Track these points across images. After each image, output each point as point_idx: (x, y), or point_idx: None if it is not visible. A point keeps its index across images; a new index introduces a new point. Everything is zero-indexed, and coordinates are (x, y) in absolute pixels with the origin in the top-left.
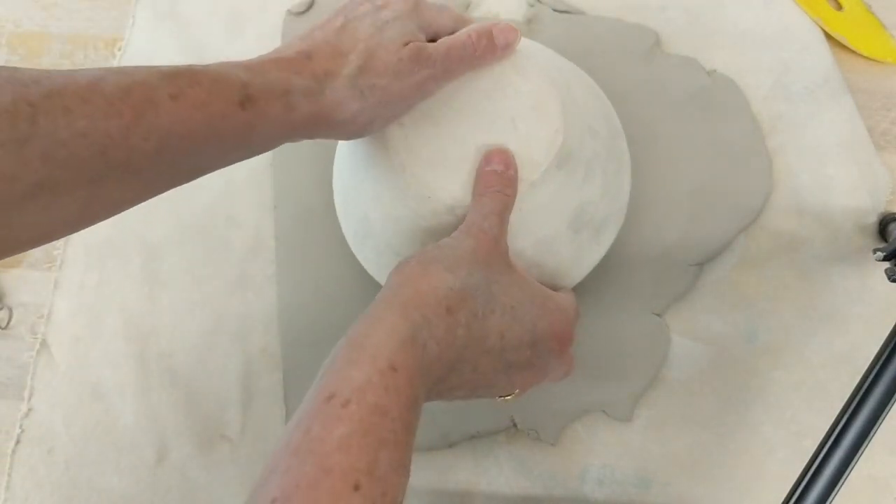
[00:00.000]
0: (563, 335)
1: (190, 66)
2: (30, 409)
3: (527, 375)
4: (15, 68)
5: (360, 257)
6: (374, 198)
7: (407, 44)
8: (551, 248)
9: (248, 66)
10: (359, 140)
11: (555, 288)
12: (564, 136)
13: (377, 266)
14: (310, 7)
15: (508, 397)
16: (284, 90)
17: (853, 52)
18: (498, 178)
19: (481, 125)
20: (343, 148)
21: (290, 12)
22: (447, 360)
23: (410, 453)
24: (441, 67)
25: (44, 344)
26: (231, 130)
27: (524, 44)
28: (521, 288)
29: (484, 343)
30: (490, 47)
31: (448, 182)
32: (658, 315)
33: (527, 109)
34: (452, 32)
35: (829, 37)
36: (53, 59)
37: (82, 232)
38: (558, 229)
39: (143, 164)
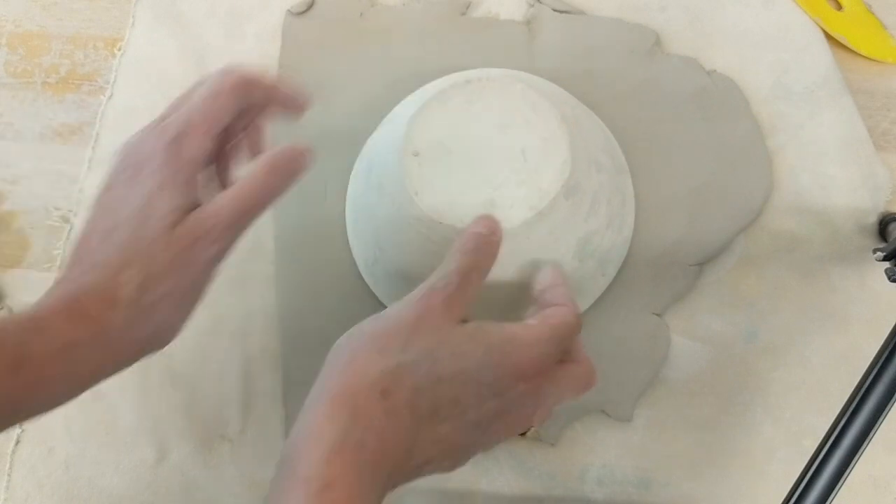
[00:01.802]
0: (524, 373)
1: None
2: None
3: (506, 422)
4: None
5: (369, 281)
6: (386, 221)
7: (175, 222)
8: None
9: (29, 320)
10: (373, 166)
11: None
12: (572, 168)
13: (386, 288)
14: (310, 7)
15: (525, 433)
16: (64, 345)
17: (853, 52)
18: (477, 239)
19: (493, 155)
20: (358, 168)
21: (290, 12)
22: (398, 444)
23: None
24: (223, 228)
25: None
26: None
27: (538, 81)
28: (474, 342)
29: (437, 414)
30: (280, 182)
31: (458, 208)
32: (658, 315)
33: (537, 142)
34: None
35: (829, 37)
36: (53, 58)
37: None
38: (564, 257)
39: None
